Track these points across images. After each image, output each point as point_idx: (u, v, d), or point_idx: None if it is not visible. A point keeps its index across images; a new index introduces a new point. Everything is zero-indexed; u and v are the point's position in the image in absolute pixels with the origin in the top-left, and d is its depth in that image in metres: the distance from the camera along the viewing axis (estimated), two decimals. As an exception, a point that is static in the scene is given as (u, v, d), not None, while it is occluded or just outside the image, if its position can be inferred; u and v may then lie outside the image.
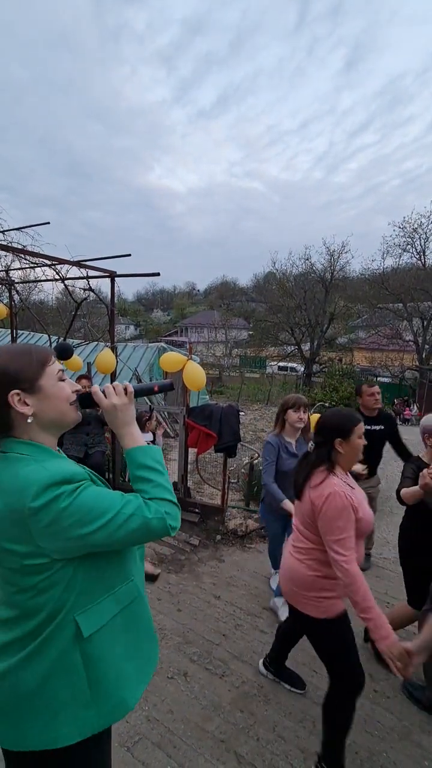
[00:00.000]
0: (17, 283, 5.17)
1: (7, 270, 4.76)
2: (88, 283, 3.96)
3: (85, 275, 4.18)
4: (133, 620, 1.00)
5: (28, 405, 0.89)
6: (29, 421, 0.89)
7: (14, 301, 5.20)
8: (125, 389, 1.02)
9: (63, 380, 0.96)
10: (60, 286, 4.84)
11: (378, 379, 23.20)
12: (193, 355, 3.82)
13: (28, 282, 5.04)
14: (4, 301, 5.33)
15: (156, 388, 1.15)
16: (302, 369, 23.66)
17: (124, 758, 1.75)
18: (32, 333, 10.91)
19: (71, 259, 3.80)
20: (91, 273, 4.08)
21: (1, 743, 0.90)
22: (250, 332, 31.11)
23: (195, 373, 3.71)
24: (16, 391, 0.87)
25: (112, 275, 3.98)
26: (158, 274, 3.56)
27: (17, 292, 4.93)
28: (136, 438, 1.02)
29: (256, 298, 30.03)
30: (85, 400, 1.00)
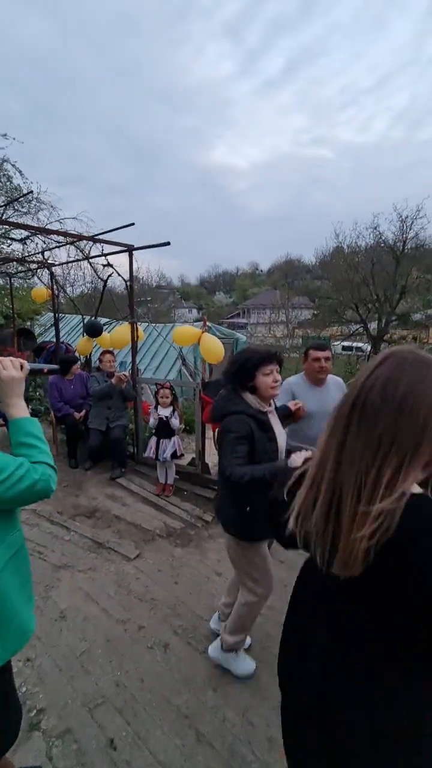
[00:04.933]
0: (56, 265, 5.40)
1: (43, 251, 4.98)
2: (107, 260, 3.99)
3: (109, 252, 4.21)
4: (21, 564, 1.14)
5: None
6: None
7: (55, 284, 5.47)
8: (21, 366, 1.14)
9: None
10: (108, 269, 4.97)
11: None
12: (208, 326, 3.69)
13: (64, 263, 5.24)
14: (46, 284, 5.61)
15: (45, 370, 1.35)
16: (369, 348, 22.11)
17: (83, 719, 1.78)
18: (73, 315, 11.30)
19: (90, 236, 3.84)
20: (113, 249, 4.11)
21: None
22: (315, 311, 29.74)
23: (211, 346, 3.59)
24: None
25: (130, 249, 3.96)
26: (168, 244, 3.44)
27: (53, 275, 5.15)
28: (23, 409, 1.14)
29: (321, 274, 28.46)
30: None
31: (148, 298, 34.82)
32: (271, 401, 1.81)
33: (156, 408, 3.86)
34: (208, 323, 10.12)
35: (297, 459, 1.02)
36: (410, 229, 19.60)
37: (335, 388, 2.71)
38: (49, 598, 2.55)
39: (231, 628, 1.98)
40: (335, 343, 27.06)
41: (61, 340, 6.89)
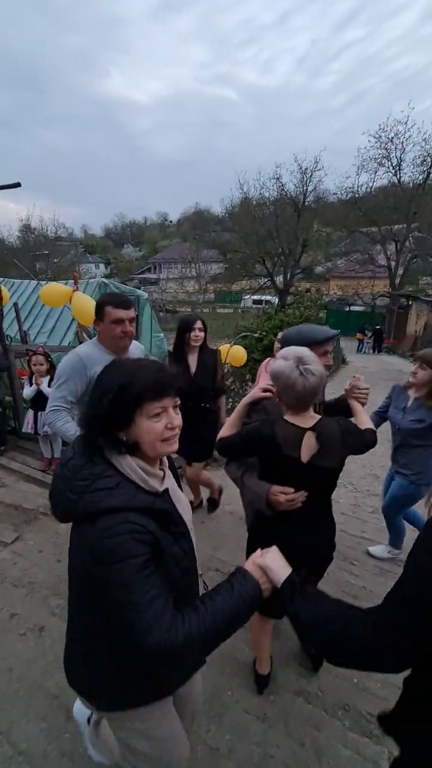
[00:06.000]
0: None
1: None
2: None
3: None
4: None
5: None
6: None
7: None
8: None
9: None
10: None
11: (352, 307, 22.77)
12: (80, 283, 3.34)
13: None
14: None
15: None
16: (277, 301, 22.97)
17: None
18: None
19: None
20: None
21: None
22: (226, 266, 29.63)
23: (83, 306, 3.26)
24: None
25: (-23, 191, 3.30)
26: (18, 185, 2.92)
27: None
28: None
29: (230, 226, 28.07)
30: None
31: (46, 252, 31.19)
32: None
33: (31, 378, 3.49)
34: (104, 280, 9.38)
35: None
36: (310, 182, 20.04)
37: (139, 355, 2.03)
38: None
39: None
40: (246, 297, 27.61)
41: None
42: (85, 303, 3.19)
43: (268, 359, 2.62)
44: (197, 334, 2.64)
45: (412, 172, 17.93)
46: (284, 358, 1.37)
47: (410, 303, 17.10)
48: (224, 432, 1.59)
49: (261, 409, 1.60)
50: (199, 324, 2.66)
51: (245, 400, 1.62)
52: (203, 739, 1.61)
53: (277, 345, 2.40)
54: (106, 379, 0.92)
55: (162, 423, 0.90)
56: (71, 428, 1.82)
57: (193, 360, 2.69)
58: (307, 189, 20.05)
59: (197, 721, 1.66)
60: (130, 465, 0.88)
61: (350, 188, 19.39)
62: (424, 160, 17.34)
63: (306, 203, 20.29)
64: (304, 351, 1.37)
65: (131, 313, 1.88)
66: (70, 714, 1.68)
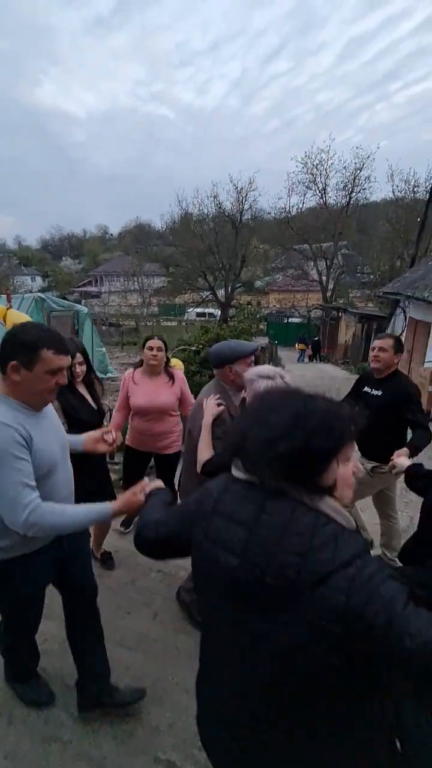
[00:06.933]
0: None
1: None
2: None
3: None
4: None
5: None
6: None
7: None
8: None
9: None
10: None
11: (289, 319, 24.09)
12: (14, 299, 3.36)
13: None
14: None
15: None
16: (219, 313, 23.64)
17: None
18: None
19: None
20: None
21: None
22: (169, 279, 29.93)
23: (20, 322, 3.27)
24: None
25: None
26: None
27: None
28: None
29: (173, 241, 28.51)
30: None
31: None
32: None
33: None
34: (41, 295, 9.14)
35: None
36: (245, 201, 21.10)
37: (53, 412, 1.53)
38: None
39: None
40: (189, 310, 28.06)
41: None
42: (21, 319, 3.21)
43: (133, 369, 2.77)
44: (77, 371, 2.21)
45: (336, 196, 19.75)
46: (269, 378, 1.54)
47: (340, 315, 18.52)
48: (205, 454, 1.67)
49: (221, 422, 1.76)
50: (78, 358, 2.18)
51: (209, 419, 1.74)
52: (143, 720, 1.74)
53: (153, 353, 2.58)
54: (302, 412, 0.76)
55: (350, 467, 0.81)
56: (71, 512, 1.31)
57: (82, 387, 2.33)
58: (243, 207, 21.08)
59: (137, 704, 1.79)
60: (334, 507, 0.75)
61: (283, 209, 20.74)
62: (345, 186, 19.16)
63: (243, 221, 21.29)
64: (276, 369, 1.62)
65: (69, 358, 1.40)
66: (12, 720, 1.74)
